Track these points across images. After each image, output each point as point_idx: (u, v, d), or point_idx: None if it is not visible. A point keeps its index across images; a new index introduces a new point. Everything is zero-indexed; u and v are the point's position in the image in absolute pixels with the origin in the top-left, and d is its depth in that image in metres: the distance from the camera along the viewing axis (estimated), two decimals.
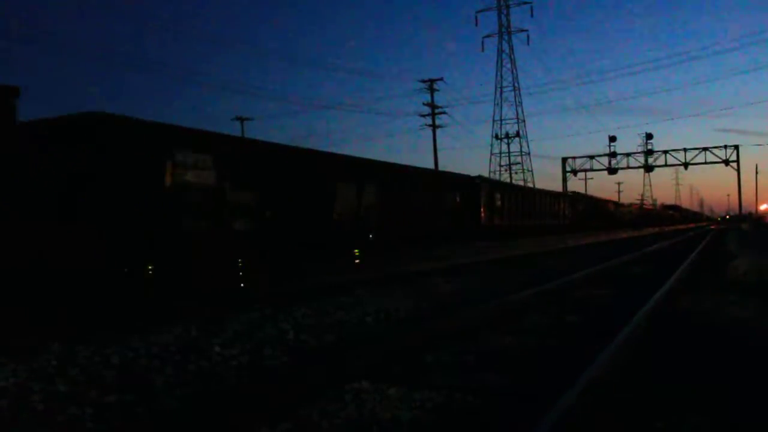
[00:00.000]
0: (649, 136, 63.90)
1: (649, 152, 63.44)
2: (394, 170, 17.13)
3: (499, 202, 24.48)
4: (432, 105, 47.77)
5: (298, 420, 3.95)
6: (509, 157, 64.99)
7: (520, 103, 69.99)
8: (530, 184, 59.20)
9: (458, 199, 20.48)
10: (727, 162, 60.90)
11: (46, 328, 6.53)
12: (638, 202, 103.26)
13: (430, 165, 46.74)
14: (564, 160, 66.72)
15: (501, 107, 65.43)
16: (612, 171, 65.40)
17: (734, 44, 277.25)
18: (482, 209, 22.44)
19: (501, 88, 65.22)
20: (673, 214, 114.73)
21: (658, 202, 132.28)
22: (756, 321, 7.23)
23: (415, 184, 17.66)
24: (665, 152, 63.41)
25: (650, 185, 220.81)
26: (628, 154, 64.45)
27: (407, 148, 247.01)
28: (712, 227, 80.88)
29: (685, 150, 62.29)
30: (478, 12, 64.79)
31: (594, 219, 43.00)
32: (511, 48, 64.90)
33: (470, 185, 22.05)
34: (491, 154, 66.17)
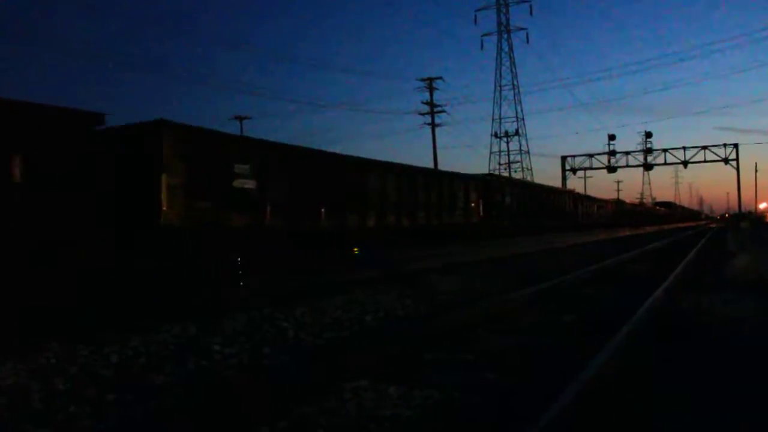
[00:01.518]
0: (648, 135, 64.09)
1: (648, 150, 63.60)
2: None
3: (251, 182, 12.35)
4: (431, 104, 47.81)
5: (297, 418, 3.95)
6: (509, 155, 65.12)
7: (520, 101, 70.01)
8: None
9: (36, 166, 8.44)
10: (726, 160, 61.02)
11: (45, 327, 6.51)
12: (637, 200, 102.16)
13: (430, 164, 46.51)
14: (563, 158, 66.86)
15: (500, 106, 65.61)
16: (611, 169, 65.59)
17: (733, 42, 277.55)
18: (164, 192, 10.48)
19: (500, 86, 65.39)
20: (666, 212, 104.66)
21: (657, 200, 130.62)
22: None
23: None
24: (665, 151, 63.60)
25: (650, 184, 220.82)
26: (627, 153, 64.65)
27: (407, 147, 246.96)
28: (711, 226, 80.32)
29: (684, 148, 62.49)
30: (477, 10, 64.96)
31: (537, 217, 31.28)
32: (511, 46, 65.11)
33: (129, 136, 10.54)
34: (491, 152, 66.30)
